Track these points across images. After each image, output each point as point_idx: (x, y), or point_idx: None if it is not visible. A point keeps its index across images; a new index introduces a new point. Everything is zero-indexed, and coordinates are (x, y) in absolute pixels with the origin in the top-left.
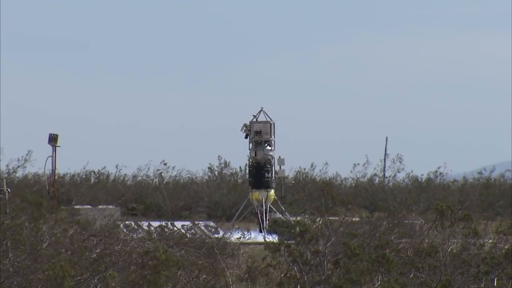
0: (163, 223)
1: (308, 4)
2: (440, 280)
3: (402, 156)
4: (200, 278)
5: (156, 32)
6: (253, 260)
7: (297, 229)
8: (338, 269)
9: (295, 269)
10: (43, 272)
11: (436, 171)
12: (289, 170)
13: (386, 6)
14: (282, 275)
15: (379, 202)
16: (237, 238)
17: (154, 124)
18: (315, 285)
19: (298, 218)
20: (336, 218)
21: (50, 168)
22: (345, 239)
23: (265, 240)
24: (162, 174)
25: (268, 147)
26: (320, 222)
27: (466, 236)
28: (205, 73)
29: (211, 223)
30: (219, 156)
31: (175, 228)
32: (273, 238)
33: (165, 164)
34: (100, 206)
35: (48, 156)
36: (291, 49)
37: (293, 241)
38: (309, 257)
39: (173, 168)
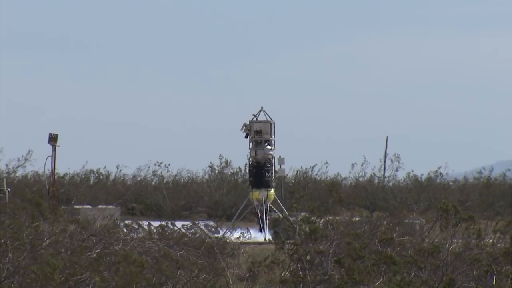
0: (163, 223)
1: (308, 4)
2: (442, 279)
3: (399, 155)
4: (200, 278)
5: (156, 32)
6: (254, 259)
7: (305, 229)
8: (342, 269)
9: (300, 267)
10: (35, 273)
11: (436, 171)
12: (289, 170)
13: (387, 6)
14: (285, 273)
15: (379, 201)
16: (237, 238)
17: (154, 124)
18: (317, 284)
19: (301, 217)
20: (337, 217)
21: (50, 168)
22: (348, 239)
23: (265, 239)
24: (162, 174)
25: (268, 147)
26: (322, 222)
27: (469, 236)
28: (205, 72)
29: (211, 223)
30: (220, 155)
31: (175, 228)
32: (270, 237)
33: (159, 165)
34: (100, 206)
35: (48, 156)
36: (291, 48)
37: (292, 240)
38: (312, 256)
39: (169, 165)
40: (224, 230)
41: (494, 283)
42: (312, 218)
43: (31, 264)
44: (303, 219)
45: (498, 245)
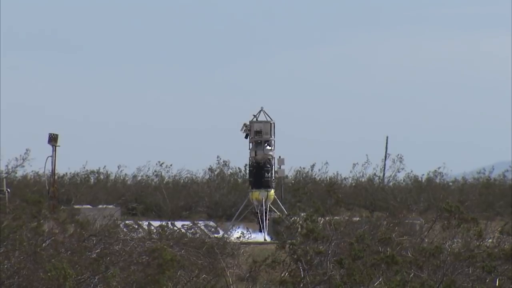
0: (163, 223)
1: (308, 4)
2: (442, 280)
3: (402, 156)
4: (200, 278)
5: (156, 32)
6: (254, 259)
7: (303, 229)
8: (341, 269)
9: (300, 267)
10: (45, 273)
11: (436, 171)
12: (289, 170)
13: (387, 6)
14: (285, 273)
15: (379, 202)
16: (237, 238)
17: (154, 124)
18: (317, 284)
19: (301, 217)
20: (337, 217)
21: (50, 168)
22: (350, 240)
23: (265, 239)
24: (162, 174)
25: (268, 147)
26: (322, 222)
27: (471, 237)
28: (205, 73)
29: (211, 223)
30: (217, 157)
31: (175, 228)
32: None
33: (161, 164)
34: (100, 206)
35: (48, 156)
36: (291, 49)
37: (292, 241)
38: (312, 257)
39: (171, 165)
40: (224, 230)
41: (497, 284)
42: (315, 217)
43: (31, 265)
44: (306, 217)
45: (500, 245)
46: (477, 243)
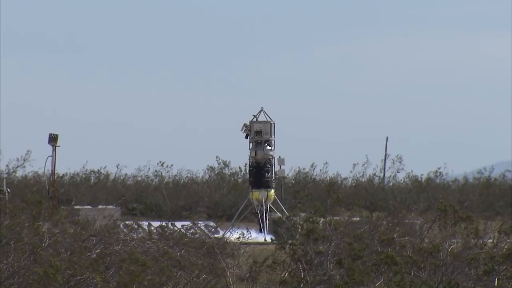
0: (163, 223)
1: (308, 5)
2: (442, 280)
3: (402, 156)
4: (200, 278)
5: (156, 33)
6: (254, 260)
7: (303, 229)
8: (341, 269)
9: (301, 267)
10: (37, 274)
11: (436, 171)
12: (289, 170)
13: (386, 6)
14: (286, 273)
15: (379, 202)
16: (237, 238)
17: (154, 124)
18: (317, 284)
19: (302, 217)
20: (337, 217)
21: (50, 168)
22: (349, 239)
23: (265, 240)
24: (162, 174)
25: (268, 147)
26: (322, 222)
27: (468, 236)
28: (205, 73)
29: (211, 223)
30: (217, 157)
31: (175, 228)
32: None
33: (162, 164)
34: (100, 206)
35: (48, 156)
36: (291, 49)
37: (292, 241)
38: (312, 257)
39: (171, 166)
40: (224, 230)
41: (496, 284)
42: (314, 217)
43: (31, 265)
44: (305, 218)
45: (499, 245)
46: (476, 242)
